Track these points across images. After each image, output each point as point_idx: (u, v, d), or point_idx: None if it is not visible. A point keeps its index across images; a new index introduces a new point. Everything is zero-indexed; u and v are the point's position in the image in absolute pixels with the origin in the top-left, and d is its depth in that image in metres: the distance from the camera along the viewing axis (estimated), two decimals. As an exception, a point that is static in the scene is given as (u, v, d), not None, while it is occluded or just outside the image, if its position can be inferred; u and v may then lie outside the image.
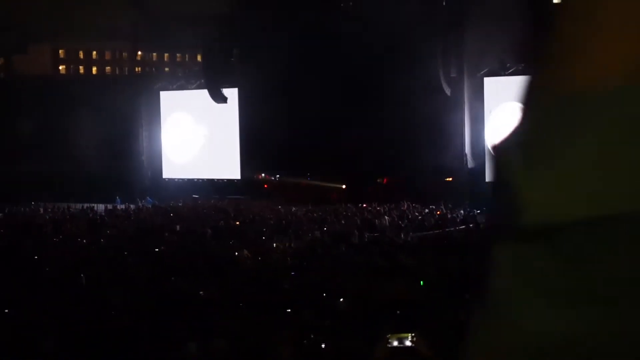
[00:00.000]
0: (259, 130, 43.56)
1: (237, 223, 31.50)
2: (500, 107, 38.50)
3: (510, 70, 38.39)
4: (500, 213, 0.80)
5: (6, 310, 14.82)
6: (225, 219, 32.72)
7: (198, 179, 46.99)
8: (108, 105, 47.54)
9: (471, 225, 29.43)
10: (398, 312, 13.31)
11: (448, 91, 38.17)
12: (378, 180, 42.81)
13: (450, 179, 39.36)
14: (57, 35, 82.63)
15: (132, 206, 39.86)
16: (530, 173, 0.79)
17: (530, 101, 0.83)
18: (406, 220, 30.93)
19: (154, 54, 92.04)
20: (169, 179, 48.03)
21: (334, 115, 39.91)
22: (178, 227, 30.03)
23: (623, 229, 0.69)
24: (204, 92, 44.84)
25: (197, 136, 47.00)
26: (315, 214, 33.19)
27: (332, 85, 40.13)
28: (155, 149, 48.51)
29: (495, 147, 0.84)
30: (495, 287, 0.77)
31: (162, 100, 48.35)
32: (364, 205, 36.40)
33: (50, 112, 49.96)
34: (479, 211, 33.77)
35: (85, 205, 39.39)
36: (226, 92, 44.62)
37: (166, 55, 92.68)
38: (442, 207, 34.52)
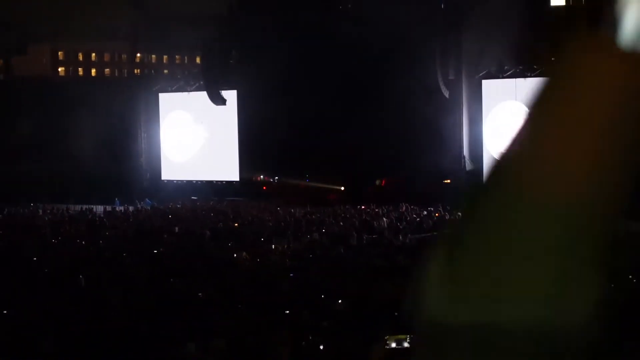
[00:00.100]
0: (258, 132, 43.62)
1: (236, 225, 31.53)
2: (499, 107, 38.61)
3: (508, 73, 38.49)
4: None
5: (5, 312, 14.87)
6: (224, 220, 32.76)
7: (197, 181, 47.02)
8: (107, 106, 47.59)
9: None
10: (396, 313, 13.38)
11: (446, 93, 38.25)
12: (376, 182, 42.87)
13: (449, 180, 39.43)
14: (56, 36, 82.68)
15: (131, 208, 39.90)
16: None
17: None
18: (404, 222, 30.99)
19: (153, 55, 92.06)
20: (167, 180, 48.07)
21: (332, 117, 39.97)
22: (177, 229, 30.06)
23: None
24: (203, 94, 44.89)
25: (196, 138, 47.04)
26: (313, 216, 33.24)
27: (331, 87, 40.20)
28: (154, 150, 48.54)
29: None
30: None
31: (161, 102, 48.38)
32: (363, 206, 36.45)
33: (49, 114, 50.02)
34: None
35: (84, 206, 39.42)
36: (225, 94, 44.66)
37: (165, 57, 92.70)
38: (440, 208, 34.57)
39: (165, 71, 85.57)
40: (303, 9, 42.31)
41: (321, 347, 11.53)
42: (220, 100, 44.57)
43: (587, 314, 0.76)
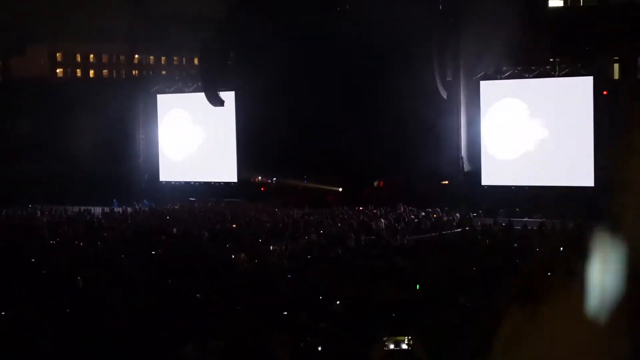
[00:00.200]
0: (256, 133, 43.65)
1: (234, 226, 31.54)
2: (496, 105, 38.64)
3: (507, 74, 38.53)
4: None
5: (4, 312, 14.88)
6: (222, 221, 32.78)
7: (195, 182, 47.05)
8: (105, 108, 47.59)
9: (467, 229, 29.52)
10: (394, 314, 13.40)
11: (444, 94, 38.26)
12: (374, 183, 42.91)
13: (446, 182, 39.46)
14: (54, 38, 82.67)
15: (129, 209, 39.91)
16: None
17: None
18: (402, 223, 31.01)
19: (151, 56, 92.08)
20: (165, 181, 48.08)
21: (330, 118, 40.00)
22: (175, 230, 30.06)
23: None
24: (201, 95, 44.89)
25: (194, 139, 47.05)
26: (311, 217, 33.25)
27: (329, 88, 40.24)
28: (152, 151, 48.54)
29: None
30: None
31: (159, 103, 48.38)
32: (361, 208, 36.48)
33: (47, 115, 50.05)
34: (474, 214, 33.89)
35: (83, 207, 39.44)
36: (223, 95, 44.68)
37: (163, 58, 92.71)
38: (438, 210, 34.60)
39: (164, 72, 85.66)
40: (301, 10, 42.33)
41: (319, 348, 11.55)
42: (218, 102, 44.58)
43: None
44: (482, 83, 38.93)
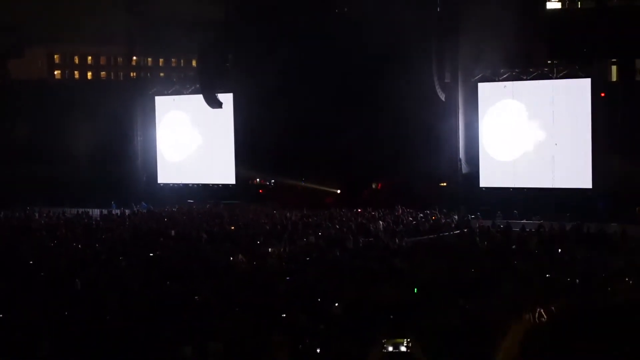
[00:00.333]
0: (254, 135, 43.61)
1: (232, 228, 31.53)
2: (493, 108, 38.65)
3: (504, 76, 38.55)
4: None
5: (2, 315, 14.87)
6: (220, 223, 32.76)
7: (193, 184, 47.00)
8: (103, 110, 47.53)
9: (465, 230, 29.52)
10: (392, 316, 13.40)
11: (442, 96, 38.26)
12: (373, 185, 42.90)
13: (445, 183, 39.46)
14: (52, 40, 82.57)
15: (127, 211, 39.88)
16: None
17: None
18: (401, 225, 31.01)
19: (149, 59, 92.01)
20: (163, 183, 48.03)
21: (328, 120, 39.99)
22: (173, 232, 30.04)
23: None
24: (199, 97, 44.87)
25: (192, 141, 47.01)
26: (310, 219, 33.24)
27: (327, 90, 40.23)
28: (150, 153, 48.50)
29: None
30: None
31: (157, 105, 48.35)
32: (359, 210, 36.47)
33: (46, 117, 49.96)
34: (472, 216, 33.89)
35: (81, 210, 39.40)
36: (221, 97, 44.64)
37: (161, 60, 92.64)
38: (437, 211, 34.60)
39: (162, 74, 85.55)
40: (300, 13, 42.33)
41: (318, 349, 11.55)
42: (216, 103, 44.57)
43: None
44: (480, 85, 38.95)
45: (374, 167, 40.42)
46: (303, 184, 43.13)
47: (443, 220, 32.48)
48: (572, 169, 36.49)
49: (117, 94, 52.00)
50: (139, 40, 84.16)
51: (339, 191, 42.41)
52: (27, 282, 18.54)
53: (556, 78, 37.34)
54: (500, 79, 38.59)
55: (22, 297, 16.47)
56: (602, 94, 36.42)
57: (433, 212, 34.58)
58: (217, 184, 46.20)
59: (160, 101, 48.36)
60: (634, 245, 23.91)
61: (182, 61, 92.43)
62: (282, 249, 24.38)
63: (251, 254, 22.96)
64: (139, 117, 48.84)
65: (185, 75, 67.45)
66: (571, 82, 36.96)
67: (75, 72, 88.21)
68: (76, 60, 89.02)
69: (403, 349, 5.92)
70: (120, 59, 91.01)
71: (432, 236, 28.68)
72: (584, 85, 36.48)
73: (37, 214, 39.38)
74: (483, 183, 38.79)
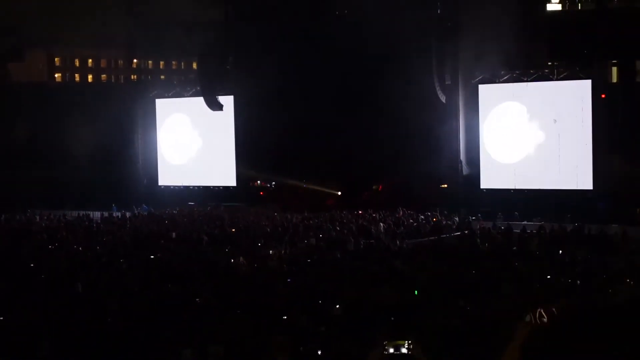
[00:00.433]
0: (255, 137, 43.63)
1: (233, 230, 31.53)
2: (494, 109, 38.66)
3: (505, 77, 38.56)
4: None
5: (3, 317, 14.86)
6: (221, 226, 32.76)
7: (194, 186, 47.03)
8: (104, 113, 47.57)
9: (466, 232, 29.52)
10: (393, 318, 13.39)
11: (443, 98, 38.28)
12: (373, 187, 42.90)
13: (445, 185, 39.46)
14: (53, 42, 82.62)
15: (128, 213, 39.89)
16: None
17: None
18: (401, 227, 31.00)
19: (150, 61, 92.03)
20: (164, 186, 48.06)
21: (329, 122, 40.01)
22: (174, 234, 30.05)
23: None
24: (200, 100, 44.90)
25: (192, 143, 47.06)
26: (311, 221, 33.24)
27: (328, 92, 40.24)
28: (151, 156, 48.55)
29: None
30: None
31: (158, 107, 48.42)
32: (360, 211, 36.48)
33: (46, 120, 49.99)
34: (473, 217, 33.89)
35: (81, 212, 39.42)
36: (222, 99, 44.67)
37: (162, 62, 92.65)
38: (437, 213, 34.61)
39: (162, 77, 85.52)
40: (300, 15, 42.35)
41: (319, 351, 11.54)
42: (217, 106, 44.58)
43: None
44: (481, 87, 38.97)
45: (374, 168, 40.44)
46: (304, 186, 43.14)
47: (444, 222, 32.49)
48: (573, 170, 36.50)
49: (118, 96, 52.08)
50: (139, 43, 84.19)
51: (339, 193, 42.42)
52: (27, 284, 18.53)
53: (557, 79, 37.35)
54: (501, 80, 38.60)
55: (23, 298, 16.46)
56: (603, 95, 36.44)
57: (434, 213, 34.58)
58: (218, 186, 46.24)
59: (161, 104, 48.40)
60: (634, 246, 23.94)
61: (182, 64, 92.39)
62: (282, 251, 24.39)
63: (252, 256, 22.96)
64: (139, 119, 48.90)
65: (185, 78, 67.48)
66: (572, 83, 36.98)
67: (76, 74, 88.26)
68: (77, 63, 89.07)
69: (404, 350, 5.91)
70: (120, 62, 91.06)
71: (432, 238, 28.69)
72: (584, 87, 36.50)
73: (37, 217, 39.40)
74: (484, 184, 38.79)
